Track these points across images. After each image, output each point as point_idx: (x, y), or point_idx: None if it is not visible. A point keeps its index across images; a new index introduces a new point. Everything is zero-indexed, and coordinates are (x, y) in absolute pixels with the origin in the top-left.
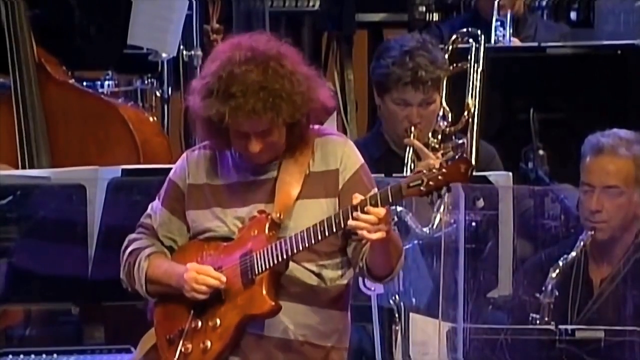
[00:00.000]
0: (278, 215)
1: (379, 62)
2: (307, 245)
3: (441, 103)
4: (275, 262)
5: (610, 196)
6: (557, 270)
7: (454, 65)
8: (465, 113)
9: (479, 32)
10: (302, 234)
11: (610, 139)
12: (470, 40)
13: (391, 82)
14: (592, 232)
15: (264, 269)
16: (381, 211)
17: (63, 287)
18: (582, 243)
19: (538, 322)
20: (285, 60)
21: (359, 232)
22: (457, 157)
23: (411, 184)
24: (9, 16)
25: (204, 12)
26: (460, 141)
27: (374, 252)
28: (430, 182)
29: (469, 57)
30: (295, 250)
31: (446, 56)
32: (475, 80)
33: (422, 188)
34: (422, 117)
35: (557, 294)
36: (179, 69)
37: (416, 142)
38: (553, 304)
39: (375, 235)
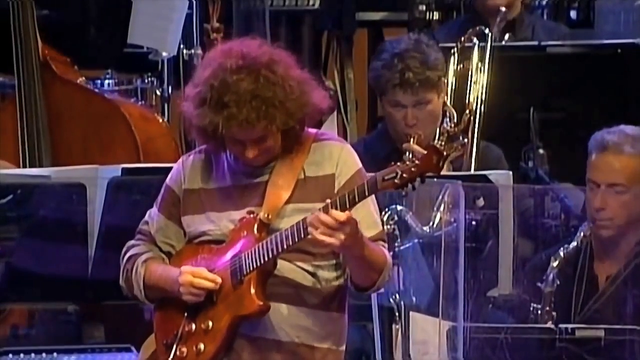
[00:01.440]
0: (266, 215)
1: (372, 64)
2: (291, 243)
3: (445, 103)
4: (262, 261)
5: (614, 194)
6: (558, 260)
7: (461, 65)
8: (467, 112)
9: (486, 30)
10: (286, 232)
11: (615, 136)
12: (475, 39)
13: (382, 84)
14: (592, 225)
15: (251, 269)
16: (340, 216)
17: (63, 286)
18: (582, 233)
19: (539, 312)
20: (277, 66)
21: (313, 232)
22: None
23: (386, 177)
24: (16, 15)
25: (204, 11)
26: (465, 141)
27: (346, 260)
28: (404, 175)
29: (472, 56)
30: (280, 249)
31: (452, 57)
32: (478, 78)
33: (396, 180)
34: (418, 119)
35: (558, 282)
36: (179, 68)
37: (415, 147)
38: (556, 299)
39: (328, 240)
